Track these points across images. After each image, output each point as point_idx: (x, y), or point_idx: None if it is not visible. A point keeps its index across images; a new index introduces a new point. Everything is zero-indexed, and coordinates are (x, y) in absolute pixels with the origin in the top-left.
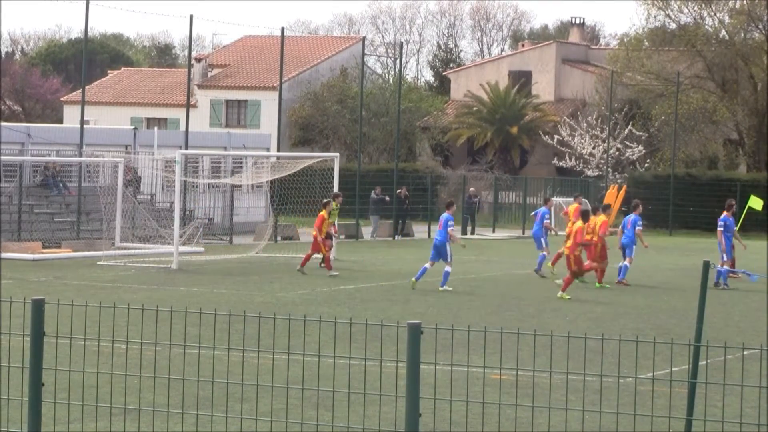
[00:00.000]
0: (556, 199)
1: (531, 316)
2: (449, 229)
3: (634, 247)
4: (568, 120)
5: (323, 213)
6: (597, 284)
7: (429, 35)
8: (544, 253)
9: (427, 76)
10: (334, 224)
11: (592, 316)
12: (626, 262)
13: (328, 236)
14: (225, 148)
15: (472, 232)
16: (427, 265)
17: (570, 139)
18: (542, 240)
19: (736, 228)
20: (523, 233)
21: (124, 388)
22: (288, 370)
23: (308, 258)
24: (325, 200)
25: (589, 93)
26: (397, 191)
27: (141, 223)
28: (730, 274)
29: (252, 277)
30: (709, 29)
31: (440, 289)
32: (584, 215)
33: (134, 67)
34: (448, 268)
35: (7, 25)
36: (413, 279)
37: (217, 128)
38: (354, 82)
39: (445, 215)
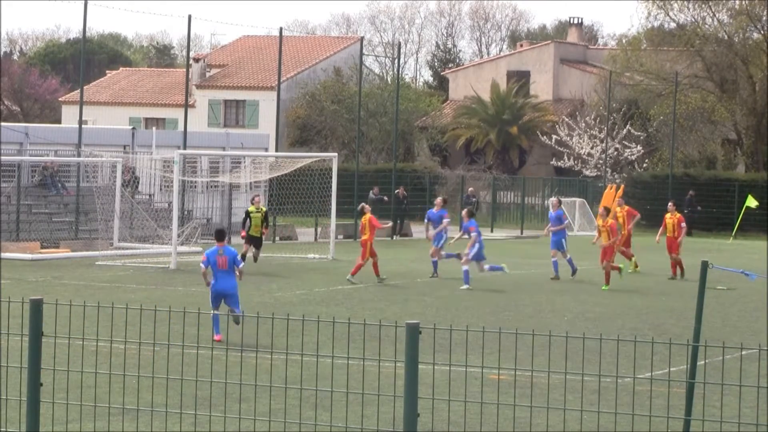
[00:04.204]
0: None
1: (529, 316)
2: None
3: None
4: (566, 120)
5: None
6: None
7: (428, 35)
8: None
9: (426, 76)
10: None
11: (591, 317)
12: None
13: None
14: (223, 148)
15: None
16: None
17: (568, 139)
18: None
19: (734, 228)
20: (522, 233)
21: (123, 388)
22: (286, 370)
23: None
24: None
25: (587, 93)
26: (396, 191)
27: (139, 223)
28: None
29: (250, 277)
30: (708, 29)
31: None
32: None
33: (132, 67)
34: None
35: (5, 25)
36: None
37: (215, 128)
38: (350, 81)
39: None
